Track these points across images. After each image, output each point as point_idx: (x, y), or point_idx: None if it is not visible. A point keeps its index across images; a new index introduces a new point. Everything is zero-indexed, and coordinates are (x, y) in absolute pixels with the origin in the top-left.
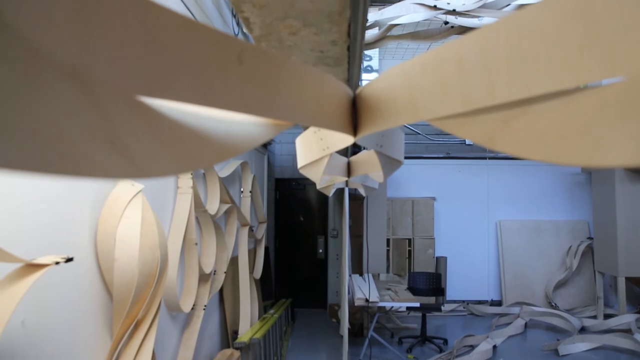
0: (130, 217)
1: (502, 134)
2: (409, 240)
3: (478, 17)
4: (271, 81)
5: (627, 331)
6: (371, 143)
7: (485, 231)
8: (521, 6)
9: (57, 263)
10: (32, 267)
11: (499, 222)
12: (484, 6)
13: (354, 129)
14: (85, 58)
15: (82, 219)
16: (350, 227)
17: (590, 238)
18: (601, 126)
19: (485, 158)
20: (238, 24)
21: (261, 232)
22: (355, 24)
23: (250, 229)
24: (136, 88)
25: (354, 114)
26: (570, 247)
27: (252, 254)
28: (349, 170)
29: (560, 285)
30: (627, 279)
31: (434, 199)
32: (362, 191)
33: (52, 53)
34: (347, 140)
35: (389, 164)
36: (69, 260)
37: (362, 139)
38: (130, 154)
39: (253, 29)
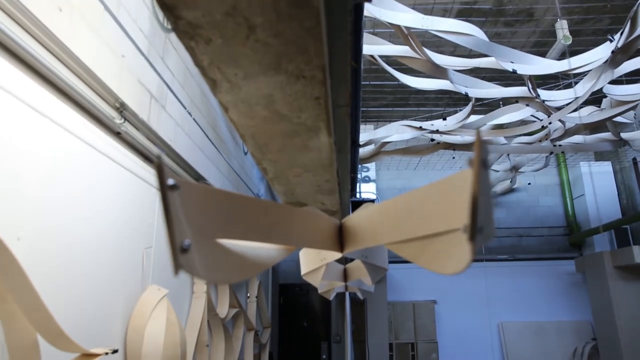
0: (158, 318)
1: (421, 254)
2: (412, 344)
3: (459, 135)
4: (283, 222)
5: None
6: (358, 255)
7: (487, 333)
8: (496, 126)
9: (107, 353)
10: (87, 356)
11: (501, 324)
12: (463, 126)
13: (342, 247)
14: (206, 228)
15: (116, 320)
16: (352, 332)
17: (594, 339)
18: (446, 253)
19: (482, 260)
20: None
21: (266, 336)
22: (342, 170)
23: (256, 334)
24: (217, 234)
25: (341, 236)
26: (576, 348)
27: (257, 359)
28: (346, 276)
29: None
30: None
31: (434, 302)
32: (359, 294)
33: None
34: (337, 254)
35: (375, 271)
36: (115, 351)
37: (350, 252)
38: (219, 269)
39: (268, 174)
